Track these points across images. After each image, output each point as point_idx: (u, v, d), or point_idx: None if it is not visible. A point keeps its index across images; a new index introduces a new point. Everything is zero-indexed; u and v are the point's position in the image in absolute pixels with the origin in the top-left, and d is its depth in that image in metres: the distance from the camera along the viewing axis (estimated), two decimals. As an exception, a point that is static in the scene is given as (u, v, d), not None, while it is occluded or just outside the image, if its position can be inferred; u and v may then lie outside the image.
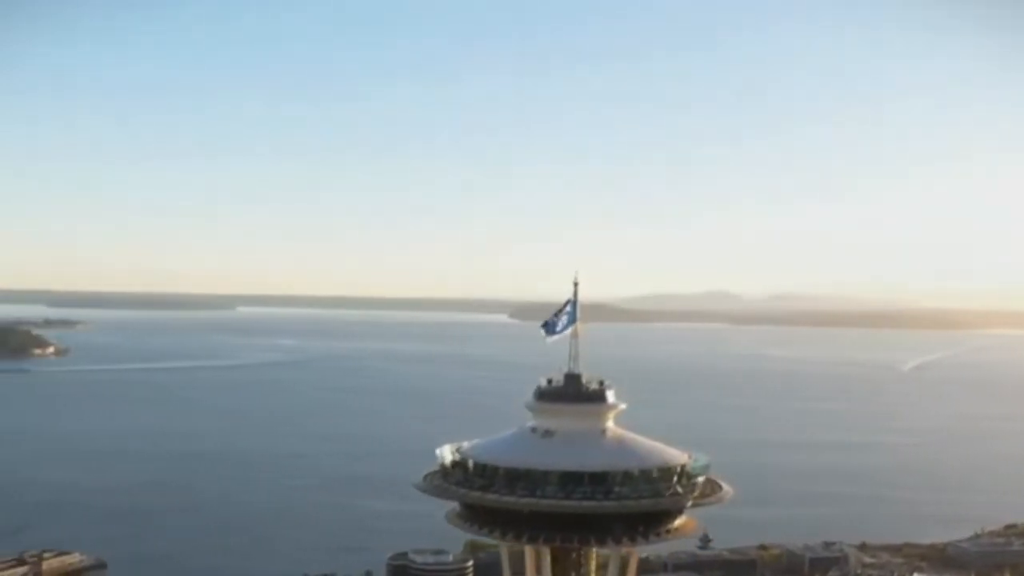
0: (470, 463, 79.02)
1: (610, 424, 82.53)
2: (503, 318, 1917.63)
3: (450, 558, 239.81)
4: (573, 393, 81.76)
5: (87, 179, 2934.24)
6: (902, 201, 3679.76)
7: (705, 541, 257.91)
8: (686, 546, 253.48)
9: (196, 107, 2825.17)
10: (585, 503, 73.77)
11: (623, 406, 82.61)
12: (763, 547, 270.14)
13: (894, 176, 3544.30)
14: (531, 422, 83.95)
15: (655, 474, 77.20)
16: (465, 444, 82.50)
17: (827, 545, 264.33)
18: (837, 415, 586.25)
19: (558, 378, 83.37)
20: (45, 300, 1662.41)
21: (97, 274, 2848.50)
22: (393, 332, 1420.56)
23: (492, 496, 75.99)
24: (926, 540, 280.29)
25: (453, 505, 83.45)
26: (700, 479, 79.82)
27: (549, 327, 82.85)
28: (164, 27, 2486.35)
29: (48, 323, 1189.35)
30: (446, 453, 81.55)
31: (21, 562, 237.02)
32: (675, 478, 77.79)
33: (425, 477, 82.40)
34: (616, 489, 73.73)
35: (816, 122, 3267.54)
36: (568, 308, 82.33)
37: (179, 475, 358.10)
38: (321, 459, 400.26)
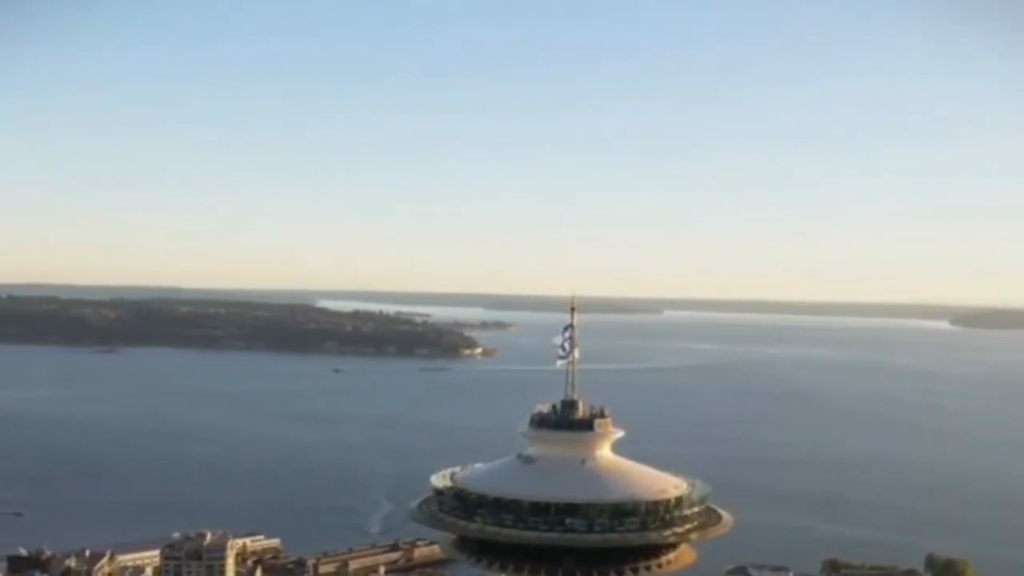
0: (453, 490, 77.50)
1: (600, 452, 78.54)
2: (943, 324, 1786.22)
3: (791, 574, 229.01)
4: (556, 421, 78.87)
5: (528, 187, 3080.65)
6: None
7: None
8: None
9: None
10: (527, 534, 69.47)
11: (619, 434, 75.87)
12: None
13: None
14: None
15: (633, 507, 72.81)
16: (478, 466, 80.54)
17: None
18: None
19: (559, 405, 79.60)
20: (484, 303, 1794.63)
21: (534, 277, 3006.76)
22: (817, 337, 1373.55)
23: (451, 520, 74.25)
24: None
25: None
26: (692, 511, 71.82)
27: (560, 353, 79.72)
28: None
29: (484, 325, 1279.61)
30: (437, 479, 79.87)
31: (395, 548, 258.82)
32: (661, 511, 71.90)
33: (419, 505, 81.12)
34: (568, 521, 68.18)
35: None
36: (567, 333, 78.13)
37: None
38: (690, 463, 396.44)
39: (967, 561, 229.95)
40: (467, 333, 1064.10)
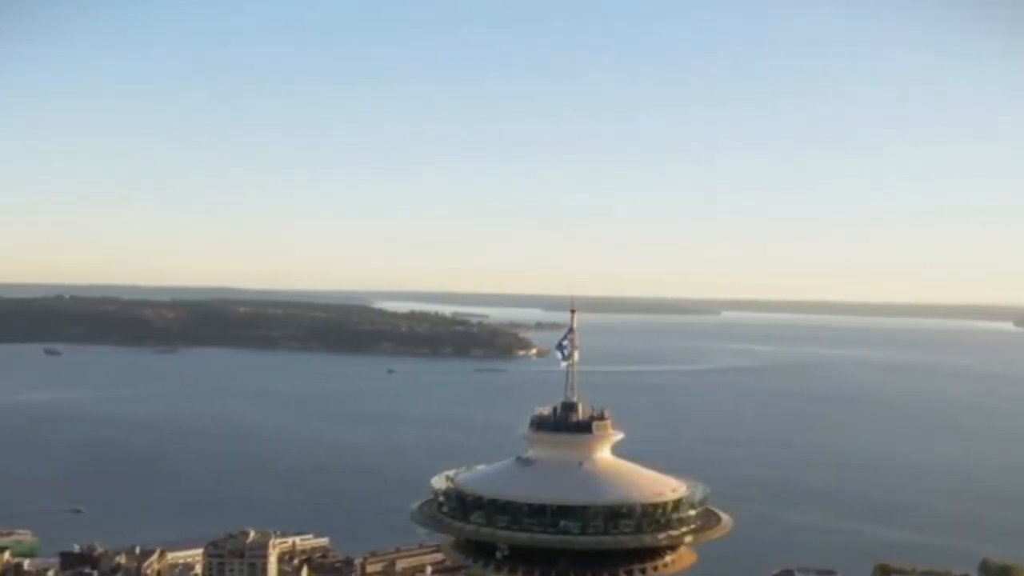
0: (452, 491, 78.32)
1: (599, 455, 78.97)
2: (1007, 326, 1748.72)
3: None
4: (554, 423, 79.47)
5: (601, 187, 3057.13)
6: None
7: None
8: None
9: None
10: (521, 535, 70.23)
11: (618, 436, 75.59)
12: None
13: None
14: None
15: (628, 509, 72.73)
16: (479, 467, 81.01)
17: None
18: None
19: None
20: (543, 304, 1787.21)
21: (592, 279, 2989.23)
22: (877, 338, 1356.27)
23: (448, 521, 75.15)
24: None
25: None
26: (689, 514, 71.54)
27: (562, 352, 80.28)
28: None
29: (539, 326, 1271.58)
30: (437, 480, 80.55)
31: (438, 549, 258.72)
32: (656, 513, 71.80)
33: (420, 506, 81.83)
34: (562, 523, 68.32)
35: None
36: (568, 336, 78.70)
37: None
38: (743, 466, 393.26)
39: (1023, 567, 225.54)
40: (522, 334, 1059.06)
